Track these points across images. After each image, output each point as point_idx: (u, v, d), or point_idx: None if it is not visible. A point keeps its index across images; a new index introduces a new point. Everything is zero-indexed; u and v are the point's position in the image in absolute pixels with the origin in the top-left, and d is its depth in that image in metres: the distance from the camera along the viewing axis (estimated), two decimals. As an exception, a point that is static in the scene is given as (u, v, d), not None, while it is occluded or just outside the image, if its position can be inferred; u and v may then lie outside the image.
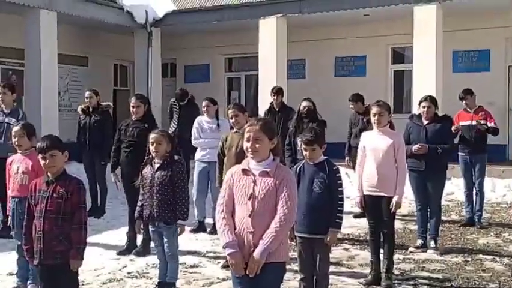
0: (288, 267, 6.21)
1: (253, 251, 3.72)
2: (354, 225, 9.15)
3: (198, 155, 8.77)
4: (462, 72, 14.86)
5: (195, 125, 8.97)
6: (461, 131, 9.07)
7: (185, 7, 16.12)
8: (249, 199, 3.77)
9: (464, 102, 9.27)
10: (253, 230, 3.74)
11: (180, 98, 11.59)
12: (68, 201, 4.38)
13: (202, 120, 8.94)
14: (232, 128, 7.16)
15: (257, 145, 3.80)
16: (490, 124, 9.09)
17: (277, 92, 10.30)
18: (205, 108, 8.90)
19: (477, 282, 6.37)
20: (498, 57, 14.80)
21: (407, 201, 9.41)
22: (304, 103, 8.66)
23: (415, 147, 7.44)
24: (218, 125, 8.82)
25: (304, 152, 5.20)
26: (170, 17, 16.24)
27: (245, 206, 3.78)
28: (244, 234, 3.77)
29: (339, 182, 5.15)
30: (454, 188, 11.33)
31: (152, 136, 5.72)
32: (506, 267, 6.94)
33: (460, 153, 9.20)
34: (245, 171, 3.83)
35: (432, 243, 7.64)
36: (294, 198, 3.78)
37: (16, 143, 5.93)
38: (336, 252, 7.53)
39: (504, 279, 6.45)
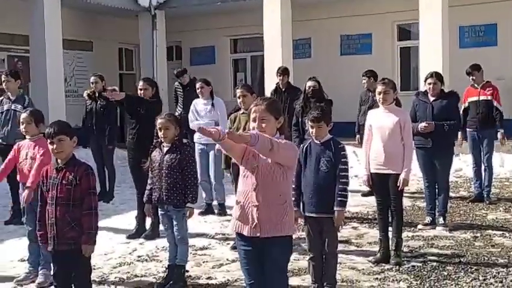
0: (296, 247, 6.27)
1: (256, 224, 3.77)
2: (362, 203, 9.18)
3: (196, 136, 8.72)
4: (469, 47, 14.79)
5: (191, 108, 8.98)
6: (469, 107, 9.04)
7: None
8: (252, 172, 3.82)
9: (471, 77, 9.20)
10: (257, 203, 3.79)
11: (178, 75, 11.52)
12: (77, 188, 4.39)
13: (198, 102, 8.94)
14: (239, 109, 7.16)
15: (263, 125, 3.84)
16: (496, 105, 9.03)
17: (283, 72, 10.27)
18: (200, 89, 8.87)
19: (486, 258, 6.38)
20: (505, 31, 14.69)
21: (416, 178, 9.40)
22: (310, 83, 8.63)
23: (421, 125, 7.40)
24: (213, 104, 8.81)
25: (310, 130, 5.20)
26: (174, -1, 16.21)
27: (250, 179, 3.83)
28: (249, 207, 3.82)
29: (343, 160, 5.14)
30: (462, 164, 11.31)
31: (159, 121, 5.72)
32: (515, 242, 6.95)
33: (467, 129, 9.16)
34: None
35: (441, 220, 7.65)
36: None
37: (24, 130, 5.96)
38: (345, 231, 7.54)
39: (513, 254, 6.46)
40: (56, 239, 4.44)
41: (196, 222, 7.97)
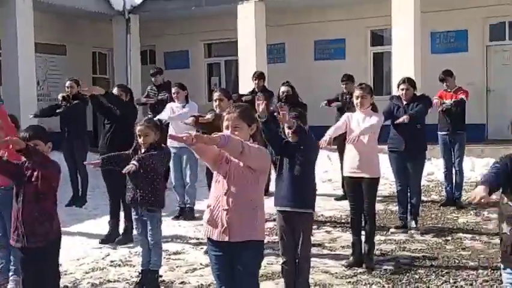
0: (270, 251, 6.28)
1: (225, 228, 3.79)
2: (336, 207, 9.20)
3: (168, 141, 8.70)
4: (440, 53, 14.93)
5: (166, 109, 8.92)
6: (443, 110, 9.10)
7: (163, -7, 16.06)
8: (224, 177, 3.85)
9: (444, 83, 9.31)
10: (227, 207, 3.81)
11: (153, 74, 11.46)
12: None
13: (173, 106, 8.91)
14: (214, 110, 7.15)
15: (236, 132, 3.85)
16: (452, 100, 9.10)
17: (259, 76, 10.31)
18: (175, 94, 8.88)
19: (457, 261, 6.45)
20: (476, 38, 14.87)
21: (388, 182, 9.47)
22: (283, 88, 8.68)
23: (399, 120, 7.46)
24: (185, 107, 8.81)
25: (286, 131, 5.22)
26: (148, 3, 16.11)
27: (221, 184, 3.85)
28: (219, 211, 3.84)
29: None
30: (434, 168, 11.42)
31: (139, 128, 5.69)
32: (485, 245, 7.03)
33: (439, 133, 9.26)
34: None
35: (413, 224, 7.71)
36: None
37: None
38: (318, 235, 7.57)
39: (483, 257, 6.53)
40: (26, 237, 4.40)
41: (170, 226, 7.95)
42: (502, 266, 3.44)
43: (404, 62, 13.02)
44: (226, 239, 3.82)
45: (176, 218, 8.67)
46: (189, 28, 17.38)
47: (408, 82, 7.79)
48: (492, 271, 5.90)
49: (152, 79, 11.32)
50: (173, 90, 8.97)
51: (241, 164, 3.78)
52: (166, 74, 12.22)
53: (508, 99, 14.00)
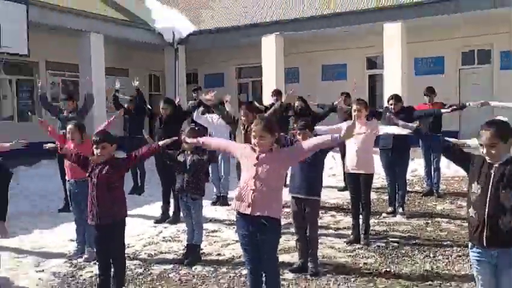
0: (286, 231, 6.26)
1: (250, 204, 3.80)
2: (338, 196, 9.14)
3: None
4: (422, 75, 14.78)
5: (204, 117, 8.40)
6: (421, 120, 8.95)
7: (205, 27, 16.13)
8: (254, 165, 3.86)
9: (428, 98, 9.18)
10: (254, 188, 3.81)
11: (194, 90, 11.28)
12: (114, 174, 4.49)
13: (213, 116, 8.36)
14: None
15: (262, 141, 3.86)
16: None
17: (277, 93, 10.28)
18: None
19: (436, 240, 6.37)
20: (450, 62, 14.72)
21: (380, 177, 9.38)
22: (297, 103, 8.66)
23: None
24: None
25: (298, 137, 5.21)
26: (192, 37, 16.21)
27: (251, 171, 3.86)
28: (247, 191, 3.83)
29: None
30: (417, 166, 11.27)
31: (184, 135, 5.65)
32: (458, 227, 6.93)
33: (420, 139, 9.10)
34: (253, 148, 3.95)
35: (400, 210, 7.64)
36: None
37: (70, 137, 5.96)
38: (325, 218, 7.54)
39: (457, 237, 6.45)
40: (99, 217, 4.45)
41: (208, 211, 7.98)
42: (469, 245, 3.40)
43: (393, 82, 12.94)
44: (249, 211, 3.82)
45: (214, 204, 8.68)
46: (224, 56, 17.45)
47: (396, 98, 7.71)
48: (464, 248, 5.81)
49: (194, 94, 11.34)
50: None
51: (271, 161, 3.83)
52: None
53: (476, 110, 13.73)
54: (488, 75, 14.39)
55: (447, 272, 5.21)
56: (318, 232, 5.47)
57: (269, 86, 13.83)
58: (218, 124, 8.14)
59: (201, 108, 8.23)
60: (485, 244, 3.25)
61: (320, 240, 5.61)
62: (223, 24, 15.90)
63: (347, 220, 7.16)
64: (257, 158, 3.86)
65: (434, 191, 9.11)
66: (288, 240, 6.18)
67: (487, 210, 3.21)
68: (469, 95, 14.31)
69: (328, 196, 8.97)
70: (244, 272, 4.87)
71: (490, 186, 3.22)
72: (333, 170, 11.60)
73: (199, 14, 17.01)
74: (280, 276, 4.46)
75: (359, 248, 6.06)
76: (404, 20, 13.13)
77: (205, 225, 6.67)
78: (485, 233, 3.23)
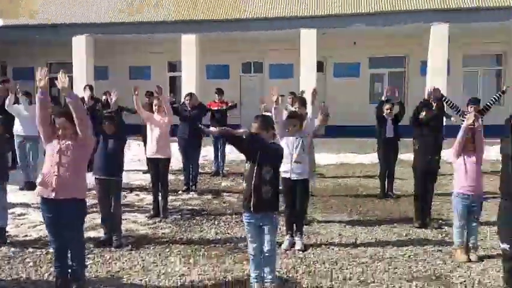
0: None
1: (54, 189, 3.55)
2: (142, 178, 8.88)
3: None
4: (212, 79, 15.25)
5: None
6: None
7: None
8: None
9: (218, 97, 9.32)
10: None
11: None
12: None
13: None
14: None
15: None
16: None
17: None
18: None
19: (219, 210, 6.60)
20: (235, 70, 15.46)
21: (177, 160, 9.39)
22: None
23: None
24: None
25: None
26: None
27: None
28: (51, 176, 3.58)
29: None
30: (207, 152, 11.53)
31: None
32: (237, 199, 7.15)
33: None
34: None
35: (193, 188, 7.74)
36: None
37: None
38: (130, 198, 7.26)
39: (236, 206, 6.68)
40: None
41: (16, 196, 7.01)
42: (244, 212, 3.71)
43: (190, 83, 13.12)
44: (53, 196, 3.57)
45: (21, 189, 7.69)
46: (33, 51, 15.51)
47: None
48: (240, 215, 6.15)
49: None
50: None
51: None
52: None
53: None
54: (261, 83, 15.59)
55: (227, 235, 5.48)
56: (123, 209, 5.25)
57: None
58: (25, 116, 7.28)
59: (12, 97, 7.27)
60: (252, 210, 3.56)
61: (124, 216, 5.39)
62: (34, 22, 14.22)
63: (150, 198, 7.01)
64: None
65: (220, 171, 9.44)
66: (94, 218, 5.82)
67: (253, 182, 3.53)
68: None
69: (133, 178, 8.71)
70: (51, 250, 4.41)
71: (255, 164, 3.57)
72: (138, 156, 11.30)
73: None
74: (86, 250, 4.18)
75: (158, 222, 5.99)
76: (198, 34, 13.67)
77: (12, 210, 5.86)
78: (252, 201, 3.55)
